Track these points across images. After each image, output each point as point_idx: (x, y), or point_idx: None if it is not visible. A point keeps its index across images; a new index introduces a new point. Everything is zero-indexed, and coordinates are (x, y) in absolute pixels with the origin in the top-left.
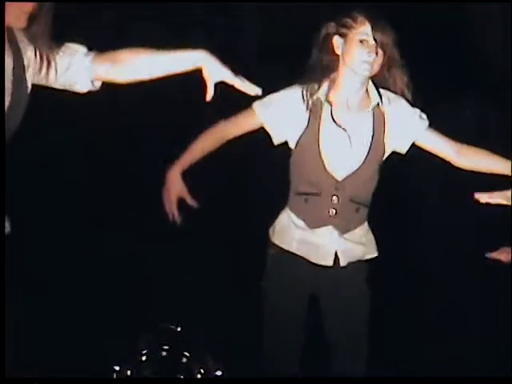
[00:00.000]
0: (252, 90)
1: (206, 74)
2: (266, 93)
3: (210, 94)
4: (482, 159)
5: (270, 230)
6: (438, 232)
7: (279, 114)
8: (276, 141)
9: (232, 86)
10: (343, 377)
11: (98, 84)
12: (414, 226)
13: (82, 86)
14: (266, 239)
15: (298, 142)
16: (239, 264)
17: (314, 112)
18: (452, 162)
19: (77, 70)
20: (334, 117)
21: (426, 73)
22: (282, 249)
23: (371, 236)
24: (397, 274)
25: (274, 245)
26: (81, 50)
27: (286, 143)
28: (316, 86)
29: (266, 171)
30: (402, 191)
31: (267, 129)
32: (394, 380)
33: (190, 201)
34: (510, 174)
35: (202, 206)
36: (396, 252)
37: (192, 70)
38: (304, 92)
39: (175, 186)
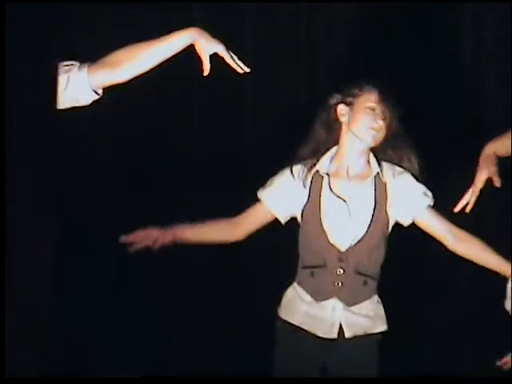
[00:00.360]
0: (241, 67)
1: (199, 49)
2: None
3: (206, 67)
4: (479, 252)
5: (278, 308)
6: (447, 302)
7: (281, 197)
8: (283, 220)
9: (223, 59)
10: (343, 377)
11: (100, 91)
12: (423, 295)
13: (86, 98)
14: (274, 313)
15: (302, 216)
16: (248, 336)
17: (315, 185)
18: (447, 246)
19: (76, 84)
20: (334, 188)
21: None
22: (288, 323)
23: (381, 310)
24: (407, 347)
25: (281, 319)
26: (74, 64)
27: (294, 218)
28: (314, 161)
29: (274, 246)
30: (410, 262)
31: (276, 216)
32: (394, 380)
33: (156, 249)
34: (509, 274)
35: (212, 281)
36: (407, 323)
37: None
38: (302, 169)
39: (161, 233)
